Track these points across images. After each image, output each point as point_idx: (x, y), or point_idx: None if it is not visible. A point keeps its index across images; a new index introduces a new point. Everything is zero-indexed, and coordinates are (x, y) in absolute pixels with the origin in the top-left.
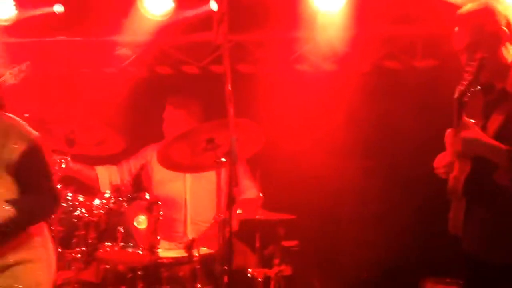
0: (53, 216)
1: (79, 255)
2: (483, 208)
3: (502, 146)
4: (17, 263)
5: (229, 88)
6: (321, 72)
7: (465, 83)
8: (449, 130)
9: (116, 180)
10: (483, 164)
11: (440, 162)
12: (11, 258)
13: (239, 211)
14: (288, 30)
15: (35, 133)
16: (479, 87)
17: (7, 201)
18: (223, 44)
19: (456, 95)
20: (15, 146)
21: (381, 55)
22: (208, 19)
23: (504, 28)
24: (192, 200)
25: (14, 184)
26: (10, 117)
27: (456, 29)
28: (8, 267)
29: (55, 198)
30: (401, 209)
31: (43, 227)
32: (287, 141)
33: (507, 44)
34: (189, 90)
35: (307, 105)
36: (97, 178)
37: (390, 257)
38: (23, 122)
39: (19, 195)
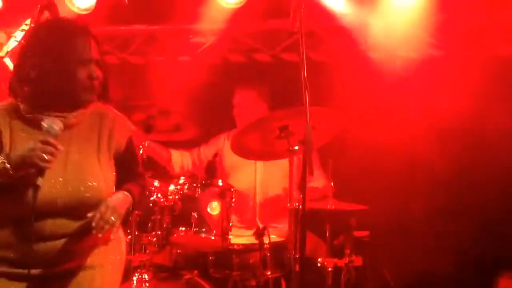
0: None
1: (155, 239)
2: None
3: None
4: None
5: (305, 75)
6: (397, 60)
7: None
8: None
9: (188, 165)
10: None
11: None
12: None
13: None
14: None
15: (133, 126)
16: None
17: (125, 189)
18: (299, 31)
19: None
20: (122, 137)
21: (461, 42)
22: (280, 7)
23: None
24: (262, 188)
25: (115, 168)
26: (113, 110)
27: None
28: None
29: (143, 186)
30: (474, 202)
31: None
32: (359, 130)
33: None
34: (261, 77)
35: (381, 94)
36: (170, 159)
37: (463, 251)
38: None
39: (119, 180)
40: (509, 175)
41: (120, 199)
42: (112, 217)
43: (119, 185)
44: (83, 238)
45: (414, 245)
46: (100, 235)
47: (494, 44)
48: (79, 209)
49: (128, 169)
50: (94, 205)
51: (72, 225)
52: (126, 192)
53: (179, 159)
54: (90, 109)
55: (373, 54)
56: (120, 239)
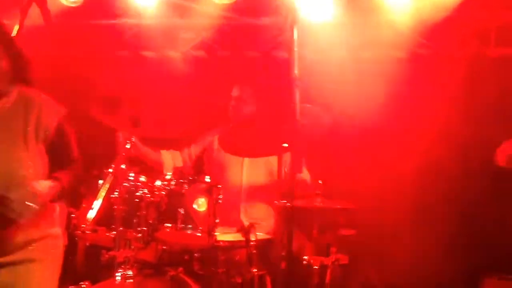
0: (116, 195)
1: (140, 235)
2: None
3: None
4: (41, 238)
5: (295, 73)
6: (387, 59)
7: None
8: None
9: (179, 165)
10: None
11: (505, 151)
12: (35, 234)
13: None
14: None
15: (64, 109)
16: None
17: (53, 177)
18: (289, 29)
19: None
20: (50, 122)
21: (453, 42)
22: (270, 4)
23: None
24: (248, 186)
25: (46, 154)
26: (39, 93)
27: None
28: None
29: (75, 173)
30: (462, 203)
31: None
32: (349, 129)
33: None
34: (251, 75)
35: (372, 93)
36: (162, 162)
37: (449, 251)
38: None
39: (51, 166)
40: (495, 176)
41: (45, 186)
42: (33, 204)
43: (53, 172)
44: (10, 227)
45: (400, 245)
46: (21, 221)
47: (482, 44)
48: (8, 198)
49: (60, 155)
50: (23, 193)
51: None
52: (54, 180)
53: (171, 160)
54: (13, 97)
55: (364, 53)
56: (58, 235)
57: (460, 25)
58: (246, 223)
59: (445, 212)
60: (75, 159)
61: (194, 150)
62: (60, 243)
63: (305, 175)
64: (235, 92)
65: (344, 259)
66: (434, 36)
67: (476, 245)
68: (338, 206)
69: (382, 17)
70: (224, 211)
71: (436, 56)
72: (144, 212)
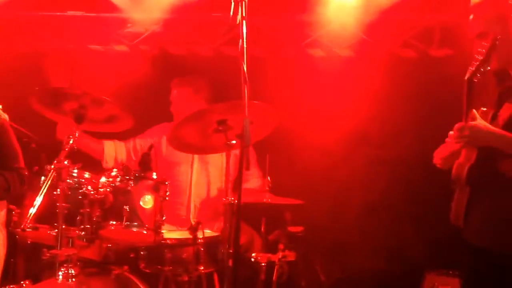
0: (59, 192)
1: (83, 233)
2: (487, 198)
3: (510, 135)
4: None
5: (245, 69)
6: (335, 58)
7: (476, 63)
8: (457, 125)
9: (122, 157)
10: (489, 154)
11: (440, 153)
12: None
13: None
14: (303, 14)
15: (5, 115)
16: (489, 68)
17: None
18: (239, 25)
19: (466, 76)
20: None
21: (398, 42)
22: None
23: None
24: (197, 183)
25: None
26: None
27: (471, 17)
28: None
29: (21, 179)
30: (407, 199)
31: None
32: (297, 126)
33: None
34: (201, 71)
35: (319, 91)
36: (103, 152)
37: (394, 247)
38: None
39: None
40: (437, 174)
41: None
42: None
43: None
44: None
45: (346, 241)
46: None
47: (426, 45)
48: None
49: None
50: None
51: None
52: None
53: (113, 151)
54: None
55: (313, 52)
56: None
57: (405, 25)
58: (194, 220)
59: (391, 209)
60: (18, 168)
61: (139, 143)
62: (1, 240)
63: (254, 174)
64: (172, 95)
65: (291, 256)
66: (380, 36)
67: (420, 241)
68: (286, 203)
69: (329, 15)
70: (173, 208)
71: (381, 55)
72: (87, 209)
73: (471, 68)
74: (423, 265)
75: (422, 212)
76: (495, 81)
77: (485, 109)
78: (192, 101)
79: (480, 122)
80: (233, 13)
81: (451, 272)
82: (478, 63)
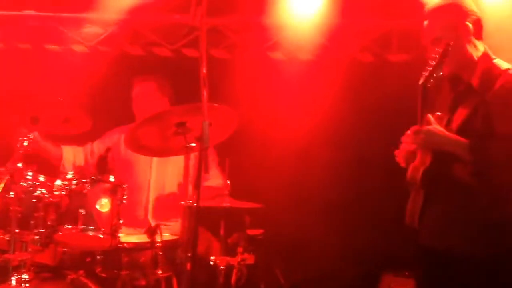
0: (12, 195)
1: (37, 237)
2: (440, 201)
3: (463, 139)
4: None
5: (204, 71)
6: (295, 61)
7: (430, 69)
8: (412, 128)
9: (80, 161)
10: (443, 157)
11: (400, 153)
12: None
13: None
14: (265, 16)
15: None
16: (441, 73)
17: None
18: (200, 27)
19: (420, 81)
20: None
21: (357, 47)
22: (183, 1)
23: (469, 23)
24: (157, 185)
25: None
26: None
27: (426, 23)
28: None
29: None
30: (365, 201)
31: None
32: (257, 129)
33: (473, 39)
34: (160, 72)
35: (280, 94)
36: (61, 157)
37: (352, 249)
38: None
39: None
40: (394, 176)
41: None
42: None
43: None
44: None
45: (305, 243)
46: None
47: (384, 50)
48: None
49: None
50: None
51: None
52: None
53: (71, 156)
54: None
55: (274, 55)
56: None
57: (364, 31)
58: (153, 223)
59: (349, 212)
60: None
61: (98, 147)
62: None
63: (215, 174)
64: (135, 91)
65: (250, 259)
66: (338, 41)
67: (377, 243)
68: (245, 206)
69: (290, 19)
70: (131, 209)
71: (340, 59)
72: (42, 213)
73: (425, 74)
74: (380, 266)
75: (379, 214)
76: (449, 86)
77: (440, 113)
78: (156, 99)
79: (435, 126)
80: (193, 14)
81: (406, 273)
82: (431, 68)
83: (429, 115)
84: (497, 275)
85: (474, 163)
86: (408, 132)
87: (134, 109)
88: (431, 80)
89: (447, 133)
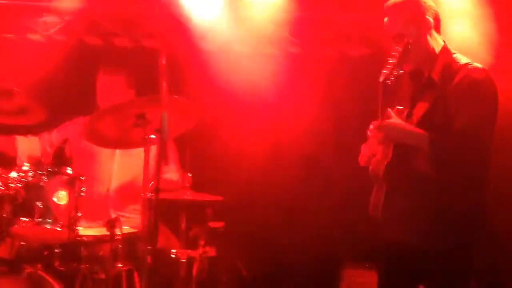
0: None
1: None
2: (402, 194)
3: (423, 132)
4: None
5: (164, 63)
6: (258, 55)
7: (390, 67)
8: (373, 122)
9: (37, 152)
10: (405, 151)
11: (363, 152)
12: None
13: None
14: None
15: None
16: (401, 71)
17: None
18: (161, 18)
19: (381, 79)
20: None
21: (318, 42)
22: None
23: (429, 17)
24: (119, 176)
25: None
26: None
27: (386, 19)
28: None
29: None
30: (326, 193)
31: None
32: (218, 122)
33: (433, 32)
34: (119, 63)
35: (243, 86)
36: (16, 148)
37: (314, 241)
38: None
39: None
40: (356, 169)
41: None
42: None
43: None
44: None
45: (267, 235)
46: None
47: (346, 44)
48: None
49: None
50: None
51: None
52: None
53: (26, 146)
54: None
55: (235, 48)
56: None
57: (325, 26)
58: (114, 216)
59: (311, 203)
60: None
61: (56, 137)
62: None
63: (173, 168)
64: (100, 84)
65: (212, 252)
66: (303, 35)
67: (339, 235)
68: (206, 199)
69: (256, 13)
70: (92, 203)
71: (304, 54)
72: None
73: (385, 71)
74: (342, 258)
75: (341, 207)
76: (410, 80)
77: (400, 107)
78: (122, 92)
79: (395, 120)
80: (155, 6)
81: (367, 265)
82: (391, 66)
83: (389, 110)
84: (458, 268)
85: (433, 156)
86: (371, 127)
87: (98, 100)
88: (391, 78)
89: (408, 126)
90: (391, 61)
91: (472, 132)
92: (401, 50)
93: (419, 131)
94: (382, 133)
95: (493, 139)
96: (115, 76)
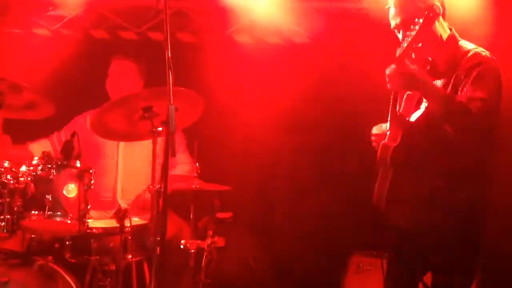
0: None
1: (3, 223)
2: (408, 180)
3: (440, 89)
4: None
5: (169, 55)
6: (262, 45)
7: (408, 40)
8: (391, 65)
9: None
10: (414, 135)
11: (377, 131)
12: None
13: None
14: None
15: None
16: (420, 44)
17: None
18: (164, 9)
19: (397, 53)
20: None
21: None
22: None
23: (437, 3)
24: (125, 166)
25: None
26: None
27: (387, 7)
28: None
29: None
30: (332, 182)
31: None
32: (225, 113)
33: (441, 19)
34: (131, 53)
35: (247, 77)
36: (33, 155)
37: (321, 230)
38: None
39: None
40: (361, 159)
41: None
42: None
43: None
44: None
45: (275, 226)
46: None
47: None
48: None
49: None
50: None
51: None
52: None
53: (40, 150)
54: None
55: (240, 38)
56: None
57: (331, 16)
58: (123, 206)
59: (318, 194)
60: None
61: (65, 135)
62: None
63: (183, 159)
64: (112, 68)
65: (220, 242)
66: (308, 26)
67: (346, 223)
68: (215, 189)
69: (258, 3)
70: (99, 191)
71: (310, 45)
72: (8, 200)
73: (403, 45)
74: (349, 246)
75: (348, 196)
76: (418, 67)
77: (410, 92)
78: (133, 81)
79: (414, 67)
80: None
81: (375, 253)
82: (410, 39)
83: (406, 60)
84: (464, 256)
85: (444, 115)
86: (387, 71)
87: (108, 87)
88: (410, 51)
89: (426, 75)
90: (407, 38)
91: (479, 102)
92: (421, 24)
93: (435, 86)
94: (399, 77)
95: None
96: (128, 62)
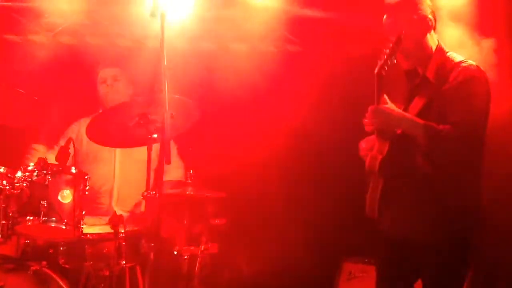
0: None
1: None
2: (398, 189)
3: (420, 120)
4: None
5: (164, 63)
6: (257, 54)
7: (384, 57)
8: (370, 107)
9: None
10: (400, 146)
11: (366, 144)
12: None
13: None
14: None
15: None
16: (395, 60)
17: None
18: (160, 18)
19: (376, 70)
20: None
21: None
22: None
23: (430, 16)
24: (121, 173)
25: None
26: None
27: (384, 17)
28: None
29: None
30: (325, 190)
31: None
32: (219, 119)
33: (432, 32)
34: (121, 63)
35: (242, 84)
36: None
37: (314, 237)
38: None
39: None
40: (354, 167)
41: None
42: None
43: None
44: None
45: (268, 232)
46: None
47: (346, 44)
48: None
49: None
50: None
51: None
52: None
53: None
54: None
55: (234, 46)
56: None
57: (324, 25)
58: (119, 212)
59: (311, 201)
60: None
61: (62, 140)
62: None
63: (175, 162)
64: (102, 76)
65: (214, 248)
66: (302, 34)
67: (338, 230)
68: (209, 195)
69: (252, 11)
70: (95, 197)
71: (304, 53)
72: (3, 205)
73: (380, 62)
74: (341, 253)
75: (341, 203)
76: (406, 79)
77: (396, 105)
78: (123, 88)
79: (390, 105)
80: (152, 5)
81: (366, 260)
82: (385, 56)
83: (385, 96)
84: (454, 262)
85: (427, 145)
86: (368, 112)
87: (100, 95)
88: (385, 68)
89: (403, 112)
90: (385, 51)
91: (465, 126)
92: (394, 40)
93: (414, 118)
94: (378, 117)
95: (494, 138)
96: (114, 68)
